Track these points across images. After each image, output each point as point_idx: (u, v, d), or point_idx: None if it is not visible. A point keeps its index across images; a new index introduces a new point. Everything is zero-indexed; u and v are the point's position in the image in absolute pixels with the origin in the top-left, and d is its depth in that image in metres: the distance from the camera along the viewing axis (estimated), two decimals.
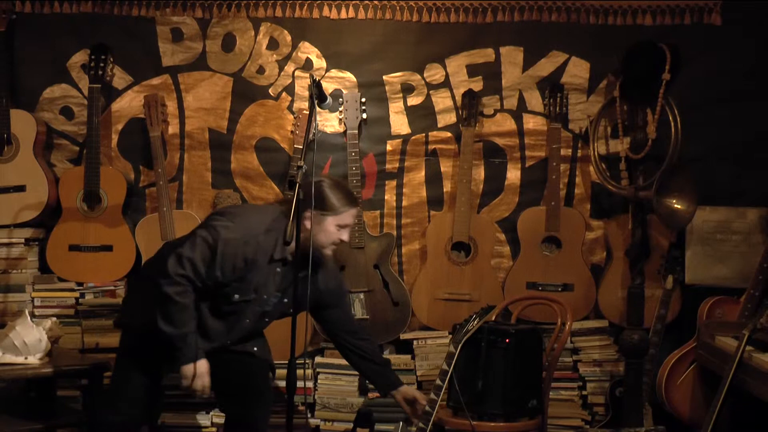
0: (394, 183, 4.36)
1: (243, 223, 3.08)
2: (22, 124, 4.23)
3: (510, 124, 4.33)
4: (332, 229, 3.06)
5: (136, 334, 3.20)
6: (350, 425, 4.07)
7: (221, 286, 3.05)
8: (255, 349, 3.25)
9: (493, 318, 3.87)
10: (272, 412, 4.10)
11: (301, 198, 2.93)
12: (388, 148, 4.35)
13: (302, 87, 4.33)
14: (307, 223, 3.03)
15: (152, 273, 3.14)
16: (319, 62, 4.34)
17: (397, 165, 4.36)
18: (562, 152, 4.26)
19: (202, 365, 3.06)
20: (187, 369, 3.04)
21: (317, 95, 3.30)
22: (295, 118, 4.28)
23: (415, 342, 4.21)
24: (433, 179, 4.36)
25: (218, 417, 4.12)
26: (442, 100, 4.34)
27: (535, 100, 4.32)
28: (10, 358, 3.70)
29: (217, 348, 3.16)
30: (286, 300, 3.17)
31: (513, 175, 4.34)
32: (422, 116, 4.35)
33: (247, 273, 3.05)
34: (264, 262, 3.07)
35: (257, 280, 3.08)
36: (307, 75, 4.26)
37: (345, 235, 3.11)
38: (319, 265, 3.17)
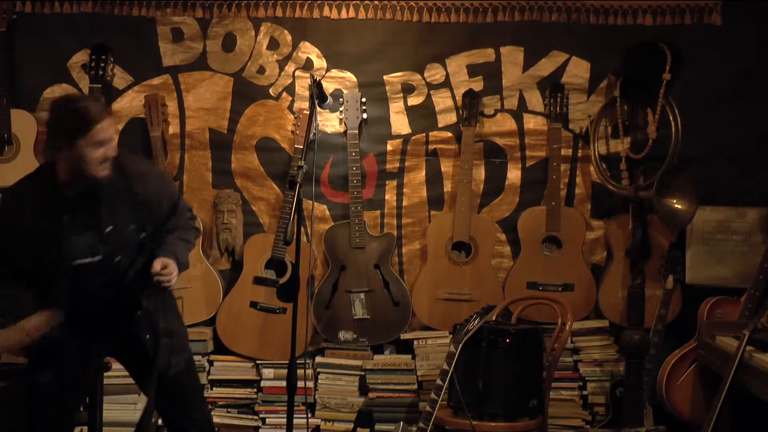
0: (394, 183, 4.36)
1: (5, 201, 2.91)
2: (23, 124, 4.23)
3: (510, 124, 4.33)
4: (88, 151, 2.74)
5: None
6: (350, 425, 4.07)
7: (38, 266, 2.84)
8: (167, 369, 3.01)
9: (494, 318, 3.87)
10: (272, 412, 4.15)
11: (47, 126, 2.80)
12: (389, 148, 4.36)
13: (303, 87, 4.33)
14: (62, 154, 2.76)
15: None
16: (319, 62, 4.34)
17: (397, 165, 4.36)
18: (563, 152, 4.26)
19: (39, 316, 2.83)
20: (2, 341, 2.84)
21: (318, 95, 3.31)
22: (295, 118, 4.28)
23: (415, 342, 4.21)
24: (434, 179, 4.36)
25: (218, 417, 4.12)
26: (442, 100, 4.34)
27: (535, 100, 4.32)
28: (9, 358, 3.70)
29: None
30: (110, 228, 2.87)
31: (513, 175, 4.34)
32: (423, 116, 4.35)
33: (32, 235, 2.81)
34: (36, 218, 2.82)
35: (51, 237, 2.82)
36: (308, 75, 4.26)
37: (109, 151, 2.77)
38: (110, 183, 2.85)
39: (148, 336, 2.95)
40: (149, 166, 3.12)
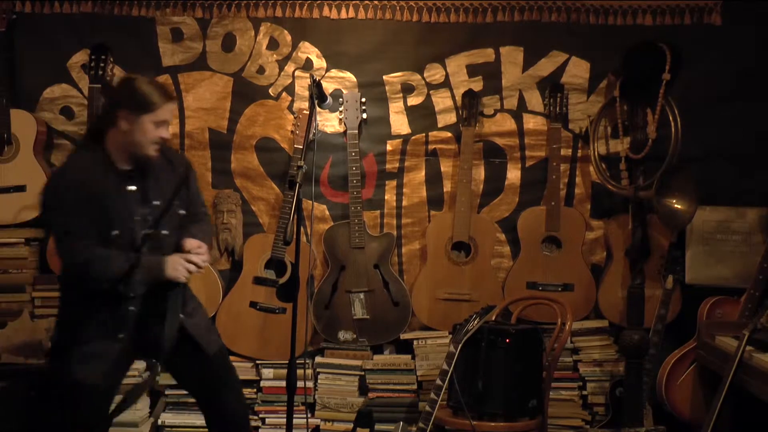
0: (394, 183, 4.36)
1: (62, 174, 2.99)
2: (23, 124, 4.23)
3: (510, 124, 4.33)
4: (149, 127, 2.90)
5: None
6: (350, 425, 4.07)
7: (96, 234, 2.91)
8: (209, 347, 3.10)
9: (494, 318, 3.87)
10: (272, 412, 4.14)
11: (113, 98, 2.95)
12: (389, 148, 4.36)
13: (302, 87, 4.33)
14: (123, 124, 2.89)
15: (64, 282, 3.12)
16: (319, 62, 4.34)
17: (397, 165, 4.36)
18: (562, 152, 4.26)
19: (172, 257, 2.94)
20: (169, 271, 2.92)
21: (317, 95, 3.31)
22: (295, 118, 4.28)
23: (415, 342, 4.21)
24: (433, 179, 4.36)
25: None
26: (442, 100, 4.34)
27: (535, 100, 4.32)
28: (9, 358, 3.71)
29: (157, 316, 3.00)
30: (159, 203, 3.01)
31: (513, 175, 4.34)
32: (422, 116, 4.35)
33: (100, 207, 2.89)
34: (102, 189, 2.91)
35: (116, 207, 2.92)
36: (308, 75, 4.26)
37: (165, 132, 2.95)
38: (156, 162, 3.01)
39: (182, 316, 3.04)
40: (177, 151, 3.33)
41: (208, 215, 3.28)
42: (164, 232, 3.01)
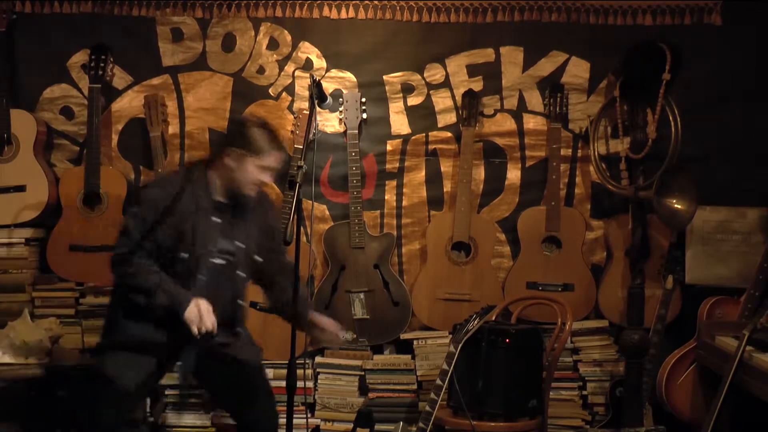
0: (394, 183, 4.36)
1: (159, 183, 3.13)
2: (23, 124, 4.23)
3: (510, 124, 4.33)
4: (252, 169, 3.04)
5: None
6: (350, 425, 4.07)
7: (167, 248, 3.00)
8: (241, 355, 3.19)
9: (494, 318, 3.87)
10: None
11: (227, 134, 3.11)
12: (389, 148, 4.36)
13: (302, 87, 4.33)
14: (228, 161, 3.05)
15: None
16: (319, 62, 4.34)
17: (397, 165, 4.36)
18: (563, 152, 4.26)
19: (202, 302, 2.97)
20: (189, 313, 2.95)
21: (317, 95, 3.31)
22: (295, 118, 4.28)
23: (415, 342, 4.21)
24: (434, 179, 4.36)
25: (217, 417, 4.12)
26: (442, 100, 4.34)
27: (535, 100, 4.32)
28: (10, 358, 3.71)
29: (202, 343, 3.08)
30: (241, 245, 3.13)
31: (513, 175, 4.34)
32: (422, 116, 4.35)
33: (182, 226, 3.00)
34: (192, 211, 3.02)
35: (198, 232, 3.01)
36: (308, 75, 4.26)
37: (267, 177, 3.10)
38: (250, 204, 3.16)
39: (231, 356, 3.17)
40: (274, 201, 3.52)
41: (291, 263, 3.28)
42: (242, 274, 3.14)
